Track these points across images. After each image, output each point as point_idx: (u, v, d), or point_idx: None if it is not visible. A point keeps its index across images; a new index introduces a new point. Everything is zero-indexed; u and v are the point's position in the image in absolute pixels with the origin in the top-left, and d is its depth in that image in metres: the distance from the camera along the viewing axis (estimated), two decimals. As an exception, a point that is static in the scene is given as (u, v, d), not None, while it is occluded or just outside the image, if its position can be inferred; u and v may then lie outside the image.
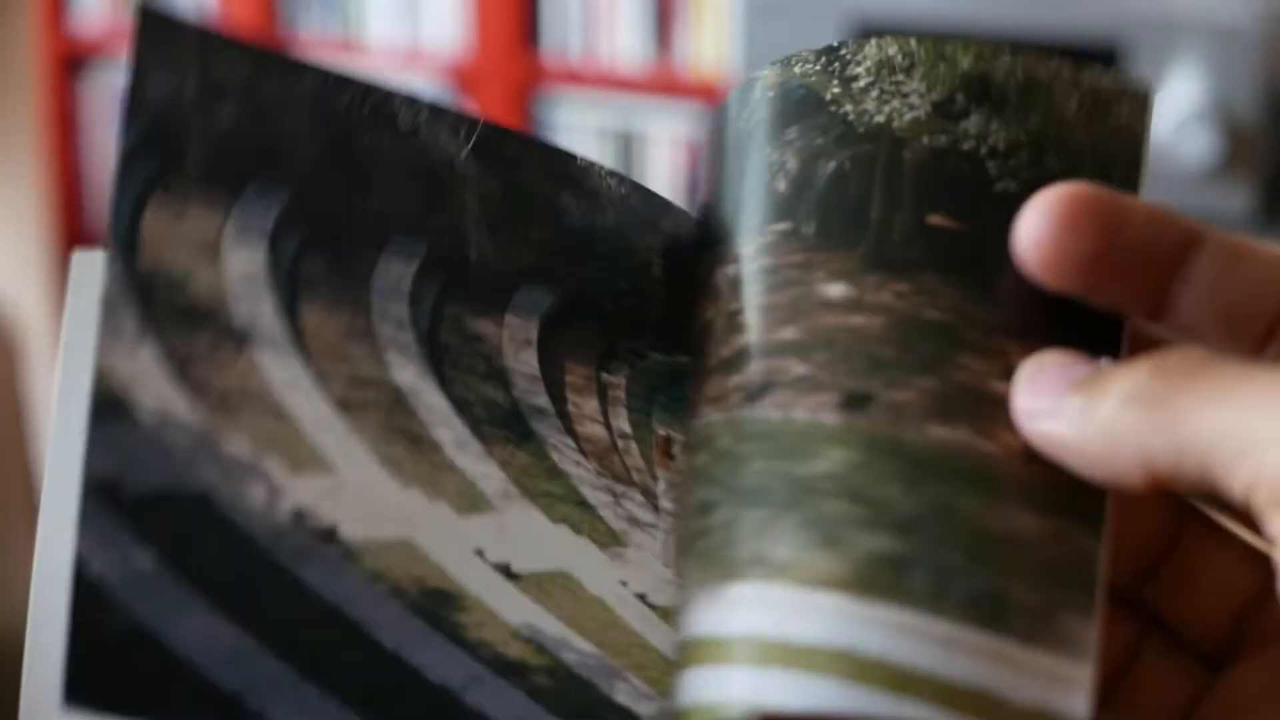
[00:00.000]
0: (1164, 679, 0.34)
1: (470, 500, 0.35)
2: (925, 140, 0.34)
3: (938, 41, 0.34)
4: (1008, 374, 0.32)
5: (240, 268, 0.34)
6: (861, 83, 0.35)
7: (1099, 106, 0.34)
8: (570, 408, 0.37)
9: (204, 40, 0.34)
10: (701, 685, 0.32)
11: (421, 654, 0.33)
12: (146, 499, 0.31)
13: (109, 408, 0.31)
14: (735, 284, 0.35)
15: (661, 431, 0.38)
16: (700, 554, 0.33)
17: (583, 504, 0.36)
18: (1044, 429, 0.31)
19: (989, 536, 0.31)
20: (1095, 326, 0.33)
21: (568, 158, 0.39)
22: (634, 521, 0.37)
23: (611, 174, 0.39)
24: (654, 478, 0.37)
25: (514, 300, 0.37)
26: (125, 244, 0.32)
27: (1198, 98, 1.28)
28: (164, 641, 0.30)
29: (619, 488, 0.37)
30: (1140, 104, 0.34)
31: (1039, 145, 0.34)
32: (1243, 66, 1.28)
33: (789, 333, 0.33)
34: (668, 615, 0.36)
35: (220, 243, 0.33)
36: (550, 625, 0.35)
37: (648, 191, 0.40)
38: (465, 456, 0.35)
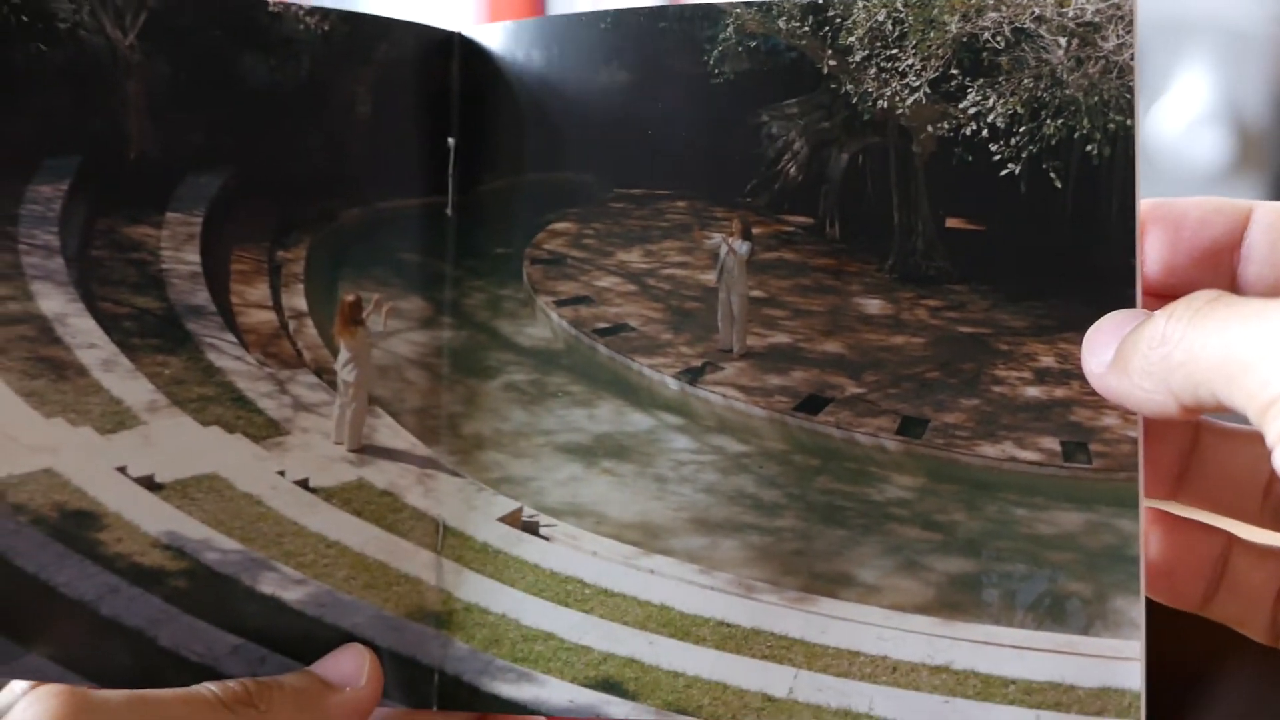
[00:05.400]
0: (1253, 570, 0.37)
1: (116, 419, 0.36)
2: (930, 130, 0.35)
3: (924, 3, 0.36)
4: (1037, 377, 0.35)
5: None
6: (857, 56, 0.36)
7: (1086, 41, 0.35)
8: (233, 299, 0.38)
9: None
10: (822, 688, 0.35)
11: (59, 573, 0.35)
12: None
13: None
14: (740, 260, 0.37)
15: (349, 296, 0.38)
16: (762, 550, 0.35)
17: (239, 399, 0.37)
18: (1106, 384, 0.33)
19: (1042, 541, 0.34)
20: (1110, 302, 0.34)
21: (255, 7, 0.38)
22: (300, 406, 0.37)
23: (313, 11, 0.38)
24: (334, 351, 0.38)
25: (176, 194, 0.37)
26: None
27: (1208, 99, 1.17)
28: None
29: (285, 374, 0.38)
30: (1127, 26, 0.35)
31: (1035, 113, 0.35)
32: (1253, 67, 1.21)
33: (834, 346, 0.36)
34: (332, 494, 0.37)
35: None
36: (192, 529, 0.36)
37: (360, 19, 0.39)
38: (112, 375, 0.36)
